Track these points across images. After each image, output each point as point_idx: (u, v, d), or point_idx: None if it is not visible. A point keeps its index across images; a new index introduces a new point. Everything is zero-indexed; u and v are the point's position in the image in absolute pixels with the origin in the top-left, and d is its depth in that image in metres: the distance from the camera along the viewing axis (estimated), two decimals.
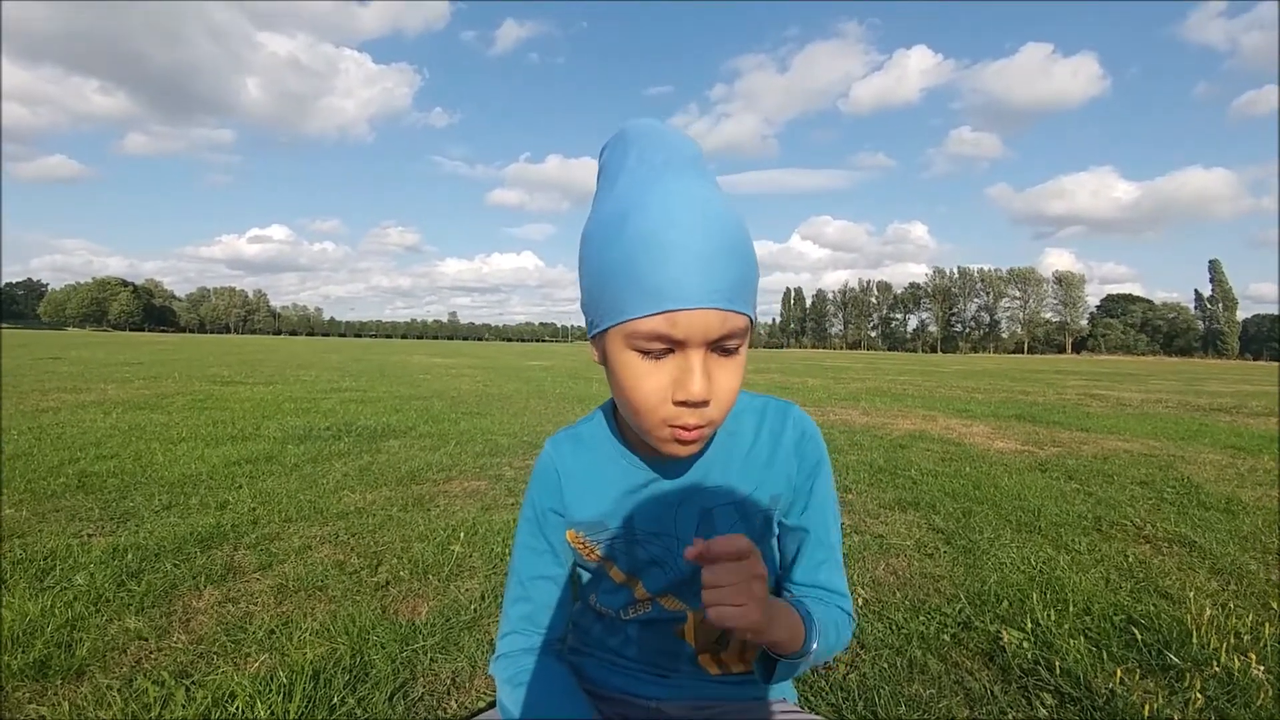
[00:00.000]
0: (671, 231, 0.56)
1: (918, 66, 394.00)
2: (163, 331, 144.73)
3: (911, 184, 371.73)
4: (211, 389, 8.67)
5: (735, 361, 0.61)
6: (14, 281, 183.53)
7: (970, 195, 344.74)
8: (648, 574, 0.76)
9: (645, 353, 0.59)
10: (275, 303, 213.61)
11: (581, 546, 0.77)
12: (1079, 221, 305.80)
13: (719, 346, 0.59)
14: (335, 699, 1.53)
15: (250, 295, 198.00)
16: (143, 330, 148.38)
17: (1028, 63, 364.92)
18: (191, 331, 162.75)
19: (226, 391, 8.39)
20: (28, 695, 1.52)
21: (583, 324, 0.68)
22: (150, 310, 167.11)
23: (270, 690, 1.53)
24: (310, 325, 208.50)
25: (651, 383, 0.59)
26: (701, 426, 0.61)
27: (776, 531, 0.77)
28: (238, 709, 1.48)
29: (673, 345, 0.58)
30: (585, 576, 0.82)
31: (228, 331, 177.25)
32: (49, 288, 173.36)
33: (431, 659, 1.74)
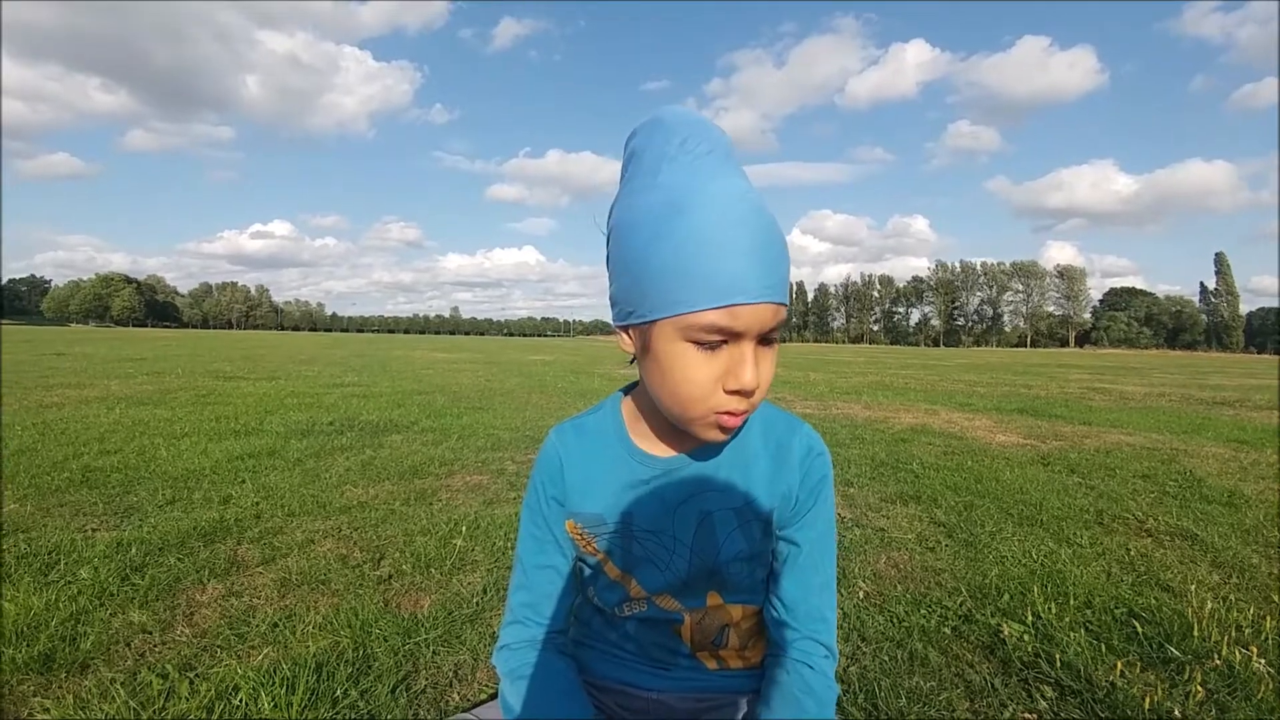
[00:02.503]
0: (732, 226, 0.57)
1: (914, 60, 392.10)
2: (166, 327, 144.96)
3: (911, 178, 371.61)
4: (214, 384, 8.68)
5: (774, 351, 0.65)
6: (17, 278, 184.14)
7: (970, 189, 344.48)
8: (642, 572, 0.76)
9: (700, 344, 0.60)
10: (277, 298, 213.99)
11: (579, 538, 0.77)
12: (1079, 214, 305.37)
13: (765, 337, 0.62)
14: (338, 691, 1.54)
15: (252, 291, 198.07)
16: (145, 326, 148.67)
17: (1025, 56, 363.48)
18: (194, 327, 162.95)
19: (229, 387, 8.41)
20: (32, 688, 1.53)
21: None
22: (153, 306, 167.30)
23: (274, 683, 1.54)
24: (312, 320, 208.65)
25: (705, 372, 0.61)
26: (746, 412, 0.63)
27: (774, 545, 0.76)
28: (241, 701, 1.48)
29: (728, 337, 0.60)
30: (586, 570, 0.82)
31: (230, 327, 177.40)
32: (52, 284, 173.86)
33: (434, 652, 1.75)
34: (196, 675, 1.60)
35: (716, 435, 0.65)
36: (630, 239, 0.62)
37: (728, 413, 0.62)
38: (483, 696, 1.56)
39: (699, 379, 0.61)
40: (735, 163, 0.63)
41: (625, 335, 0.67)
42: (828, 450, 0.76)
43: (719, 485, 0.73)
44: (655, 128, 0.65)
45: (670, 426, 0.71)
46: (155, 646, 1.74)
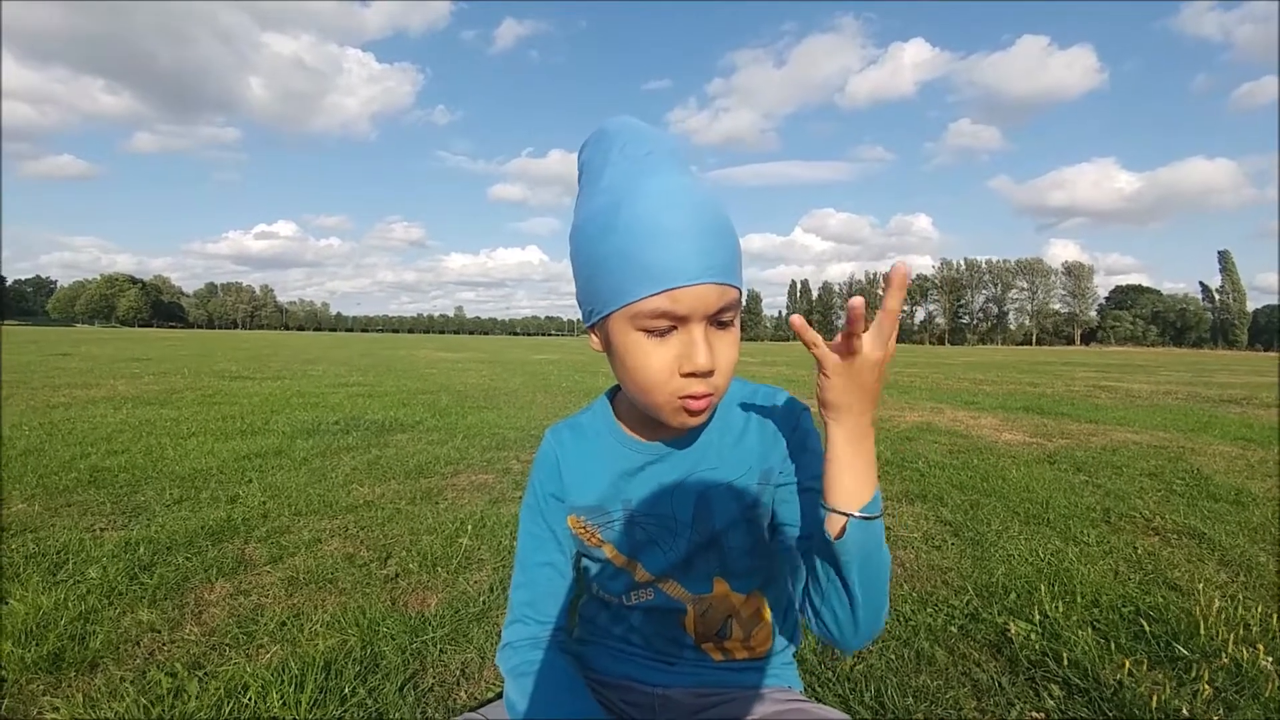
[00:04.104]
0: (666, 215, 0.60)
1: (913, 60, 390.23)
2: (171, 328, 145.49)
3: (913, 176, 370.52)
4: (220, 384, 8.72)
5: (732, 333, 0.66)
6: (23, 279, 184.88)
7: (972, 187, 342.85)
8: (646, 554, 0.78)
9: (650, 331, 0.62)
10: (282, 298, 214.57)
11: (582, 531, 0.79)
12: (1082, 213, 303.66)
13: (717, 319, 0.63)
14: (346, 689, 1.54)
15: (257, 291, 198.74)
16: (151, 326, 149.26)
17: (1024, 55, 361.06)
18: (199, 327, 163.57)
19: (235, 387, 8.44)
20: (42, 687, 1.54)
21: None
22: (158, 306, 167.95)
23: (282, 681, 1.55)
24: (317, 320, 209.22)
25: (658, 359, 0.63)
26: (709, 394, 0.64)
27: (770, 507, 0.76)
28: (250, 699, 1.49)
29: (675, 322, 0.62)
30: (589, 566, 0.83)
31: (235, 327, 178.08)
32: (58, 284, 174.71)
33: (441, 650, 1.75)
34: (205, 674, 1.60)
35: (685, 419, 0.66)
36: (580, 241, 0.65)
37: (690, 396, 0.64)
38: (490, 695, 1.56)
39: (654, 366, 0.63)
40: (677, 161, 0.65)
41: (593, 335, 0.69)
42: (809, 408, 0.78)
43: (711, 462, 0.76)
44: (599, 138, 0.69)
45: None
46: (164, 645, 1.75)
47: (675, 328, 0.62)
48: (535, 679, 0.74)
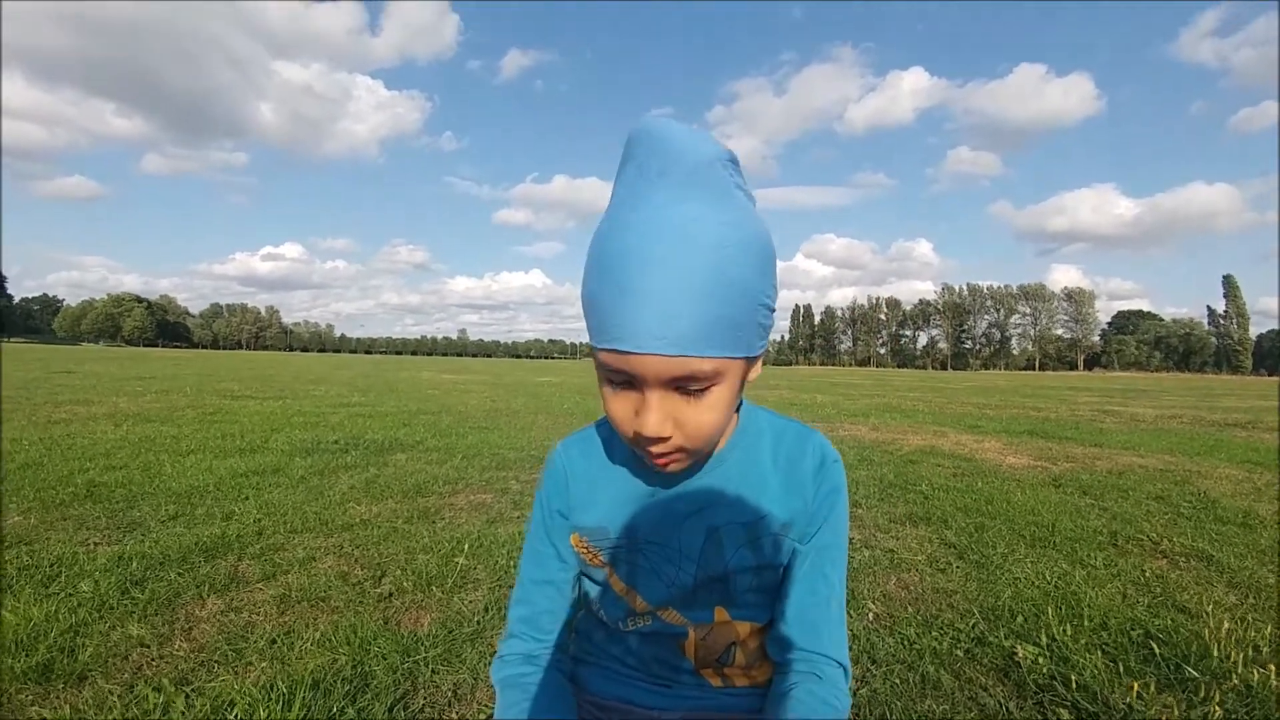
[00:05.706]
0: (632, 266, 0.53)
1: (911, 88, 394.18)
2: (176, 348, 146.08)
3: (913, 202, 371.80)
4: (222, 403, 8.72)
5: (707, 400, 0.58)
6: (30, 297, 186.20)
7: (972, 213, 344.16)
8: (646, 584, 0.74)
9: (610, 381, 0.59)
10: (287, 319, 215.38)
11: (585, 551, 0.76)
12: (1082, 238, 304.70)
13: (681, 386, 0.57)
14: (335, 709, 1.51)
15: (263, 312, 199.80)
16: (156, 346, 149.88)
17: (1021, 83, 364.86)
18: (204, 348, 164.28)
19: (236, 405, 8.44)
20: (30, 698, 1.51)
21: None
22: (164, 326, 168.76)
23: (270, 699, 1.52)
24: (321, 342, 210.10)
25: (618, 408, 0.60)
26: (671, 454, 0.60)
27: (785, 560, 0.74)
28: (236, 717, 1.46)
29: (630, 379, 0.57)
30: (589, 587, 0.81)
31: (240, 348, 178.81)
32: (64, 303, 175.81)
33: (433, 670, 1.72)
34: (193, 690, 1.57)
35: (658, 467, 0.63)
36: (586, 260, 0.60)
37: (650, 454, 0.60)
38: (481, 718, 1.53)
39: (616, 415, 0.60)
40: (695, 182, 0.54)
41: None
42: (840, 459, 0.75)
43: (728, 500, 0.72)
44: (628, 143, 0.58)
45: None
46: (152, 660, 1.72)
47: (632, 383, 0.57)
48: (522, 693, 0.71)
